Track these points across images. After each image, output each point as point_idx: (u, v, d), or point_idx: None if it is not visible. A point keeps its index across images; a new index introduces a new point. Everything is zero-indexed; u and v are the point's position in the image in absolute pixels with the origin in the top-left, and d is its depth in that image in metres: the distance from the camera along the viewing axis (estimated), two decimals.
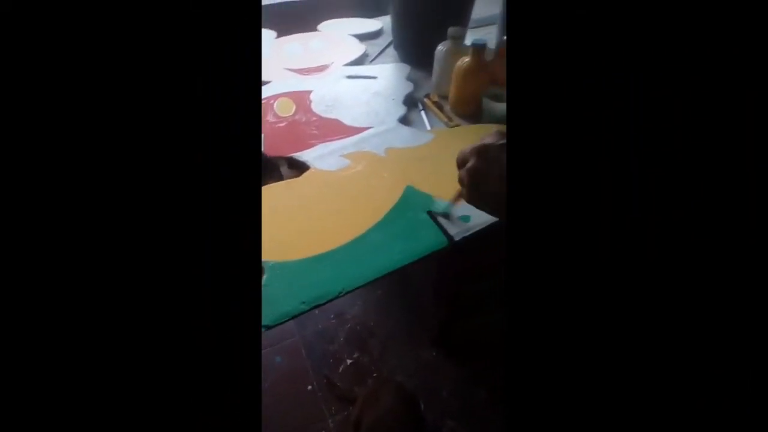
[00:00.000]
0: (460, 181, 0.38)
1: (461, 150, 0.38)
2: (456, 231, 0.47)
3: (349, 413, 0.92)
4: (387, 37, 0.93)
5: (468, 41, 0.82)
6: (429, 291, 0.96)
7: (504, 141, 0.35)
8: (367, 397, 0.83)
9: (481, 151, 0.36)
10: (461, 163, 0.38)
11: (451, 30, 0.67)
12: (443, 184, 0.53)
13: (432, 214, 0.49)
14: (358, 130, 0.64)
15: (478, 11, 0.88)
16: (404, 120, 0.66)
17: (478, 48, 0.62)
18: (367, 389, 0.85)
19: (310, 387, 0.98)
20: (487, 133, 0.37)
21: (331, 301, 0.42)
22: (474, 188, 0.37)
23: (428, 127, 0.65)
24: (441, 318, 0.97)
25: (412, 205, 0.51)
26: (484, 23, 0.96)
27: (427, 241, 0.47)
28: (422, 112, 0.68)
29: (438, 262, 0.74)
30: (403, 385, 0.84)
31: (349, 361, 1.03)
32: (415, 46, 0.81)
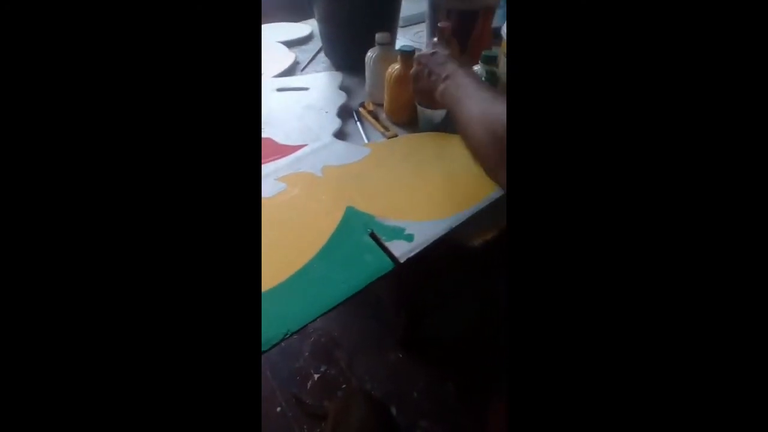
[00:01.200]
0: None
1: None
2: (401, 252, 0.46)
3: (321, 430, 0.90)
4: (317, 42, 0.90)
5: (399, 43, 0.80)
6: (388, 295, 0.95)
7: (434, 50, 0.54)
8: (338, 411, 0.81)
9: (417, 59, 0.56)
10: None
11: (378, 36, 0.65)
12: (384, 202, 0.52)
13: (375, 236, 0.48)
14: (293, 148, 0.61)
15: (406, 9, 0.87)
16: (340, 134, 0.63)
17: (406, 54, 0.60)
18: (337, 403, 0.83)
19: (279, 408, 0.95)
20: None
21: (277, 345, 0.40)
22: (417, 85, 0.56)
23: (365, 140, 0.63)
24: (403, 320, 0.97)
25: (353, 227, 0.49)
26: (413, 21, 0.95)
27: (373, 265, 0.45)
28: (358, 123, 0.66)
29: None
30: (371, 394, 0.83)
31: (316, 376, 1.01)
32: (346, 51, 0.78)
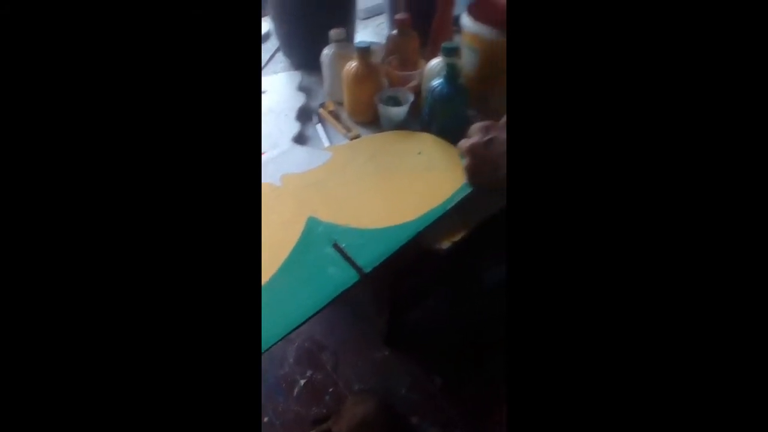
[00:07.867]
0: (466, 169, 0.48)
1: (460, 145, 0.48)
2: (366, 261, 0.44)
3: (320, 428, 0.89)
4: (275, 41, 0.86)
5: (360, 37, 0.77)
6: (365, 295, 0.94)
7: (489, 136, 0.45)
8: (346, 408, 0.81)
9: (470, 151, 0.46)
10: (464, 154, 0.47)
11: (332, 33, 0.62)
12: (348, 209, 0.50)
13: (338, 247, 0.46)
14: None
15: (366, 0, 0.84)
16: (299, 138, 0.61)
17: (363, 50, 0.58)
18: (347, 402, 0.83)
19: (266, 419, 0.94)
20: (475, 129, 0.46)
21: None
22: (473, 179, 0.48)
23: (326, 143, 0.60)
24: (385, 317, 0.96)
25: (316, 239, 0.47)
26: (374, 12, 0.92)
27: (337, 278, 0.43)
28: (318, 126, 0.63)
29: None
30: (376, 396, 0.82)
31: (302, 381, 0.99)
32: (303, 49, 0.75)
